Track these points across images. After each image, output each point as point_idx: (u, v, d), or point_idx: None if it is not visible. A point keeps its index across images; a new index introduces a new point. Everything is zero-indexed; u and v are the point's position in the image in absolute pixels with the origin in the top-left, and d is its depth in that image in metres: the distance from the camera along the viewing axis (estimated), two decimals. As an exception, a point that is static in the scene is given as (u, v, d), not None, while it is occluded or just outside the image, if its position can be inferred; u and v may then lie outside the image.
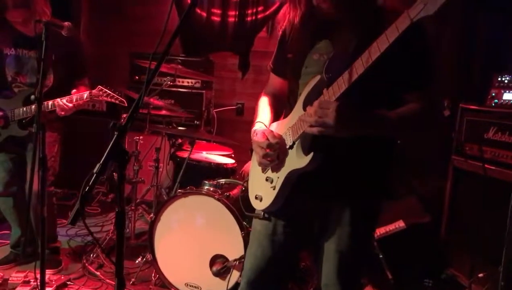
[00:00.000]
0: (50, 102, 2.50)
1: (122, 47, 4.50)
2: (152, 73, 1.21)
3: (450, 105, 3.16)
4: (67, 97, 2.50)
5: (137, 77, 4.20)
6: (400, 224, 2.96)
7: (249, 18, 4.15)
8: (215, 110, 4.27)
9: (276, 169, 1.53)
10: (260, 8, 4.12)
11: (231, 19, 4.21)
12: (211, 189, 2.62)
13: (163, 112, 3.58)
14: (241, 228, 2.40)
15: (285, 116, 1.61)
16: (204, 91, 4.08)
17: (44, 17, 2.32)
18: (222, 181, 2.78)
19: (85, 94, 2.49)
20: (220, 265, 2.48)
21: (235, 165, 3.28)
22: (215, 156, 3.41)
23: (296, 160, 1.46)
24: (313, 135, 1.39)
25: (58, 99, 2.50)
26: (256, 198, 1.62)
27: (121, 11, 4.65)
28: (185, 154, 3.15)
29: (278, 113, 1.72)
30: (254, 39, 4.19)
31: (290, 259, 1.68)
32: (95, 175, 1.09)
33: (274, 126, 1.64)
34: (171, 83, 3.27)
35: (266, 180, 1.56)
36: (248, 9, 4.14)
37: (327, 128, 1.30)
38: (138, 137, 3.43)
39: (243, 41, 4.20)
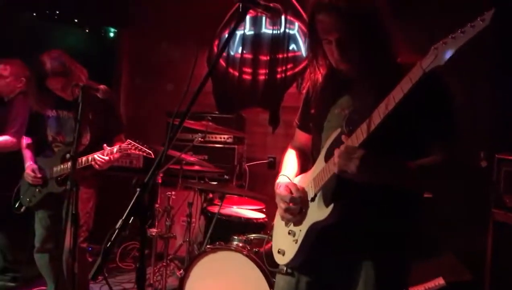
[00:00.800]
0: (84, 158, 2.63)
1: (161, 107, 4.66)
2: (175, 130, 1.28)
3: (486, 156, 3.08)
4: (99, 152, 2.62)
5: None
6: (440, 281, 2.81)
7: (278, 76, 4.26)
8: (247, 164, 4.32)
9: (298, 222, 1.52)
10: (289, 66, 4.23)
11: (262, 77, 4.35)
12: (240, 244, 2.60)
13: (196, 167, 3.65)
14: (270, 285, 2.35)
15: (309, 169, 1.62)
16: (236, 146, 4.16)
17: (80, 83, 2.47)
18: (252, 236, 2.75)
19: (115, 148, 2.61)
20: (249, 324, 2.41)
21: (266, 219, 3.26)
22: (246, 210, 3.41)
23: (318, 212, 1.45)
24: (334, 186, 1.39)
25: (94, 154, 2.62)
26: (279, 252, 1.60)
27: (161, 72, 4.87)
28: (215, 209, 3.17)
29: (303, 166, 1.74)
30: (284, 95, 4.28)
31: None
32: (117, 230, 1.13)
33: (298, 179, 1.65)
34: (202, 140, 3.35)
35: (289, 233, 1.55)
36: (278, 67, 4.26)
37: (349, 172, 1.30)
38: (170, 193, 3.49)
39: (273, 97, 4.29)
